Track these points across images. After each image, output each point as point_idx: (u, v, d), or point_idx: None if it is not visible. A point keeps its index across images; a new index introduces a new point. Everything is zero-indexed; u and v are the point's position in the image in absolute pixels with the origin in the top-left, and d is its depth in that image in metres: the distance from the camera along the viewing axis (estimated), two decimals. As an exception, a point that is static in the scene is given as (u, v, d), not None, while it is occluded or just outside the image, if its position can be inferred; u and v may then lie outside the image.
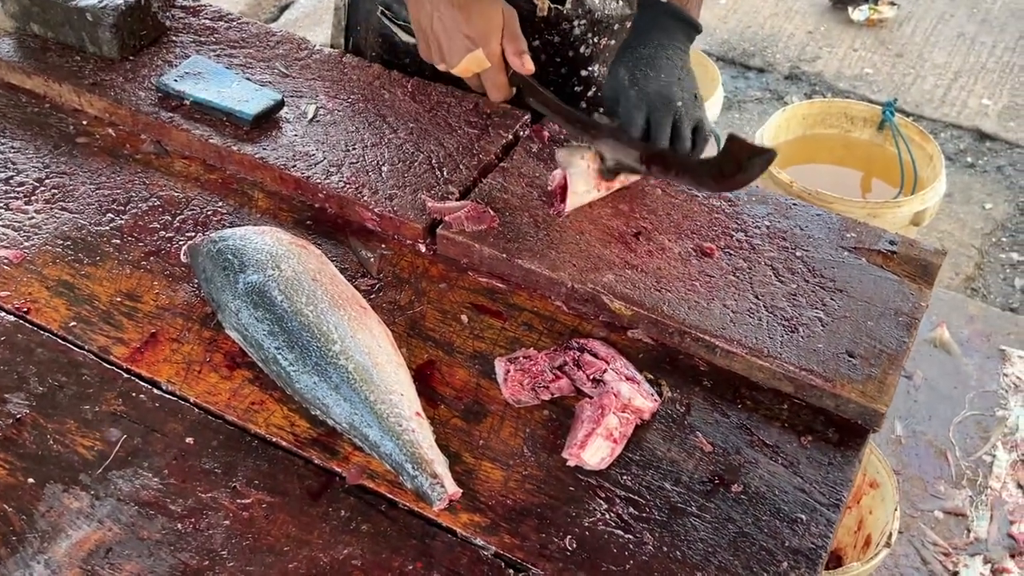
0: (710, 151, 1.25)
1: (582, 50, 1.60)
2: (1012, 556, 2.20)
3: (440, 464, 1.03)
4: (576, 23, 1.56)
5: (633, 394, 1.10)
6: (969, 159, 3.58)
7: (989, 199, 3.41)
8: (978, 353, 2.66)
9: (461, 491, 1.02)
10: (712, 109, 2.84)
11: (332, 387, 1.07)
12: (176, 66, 1.51)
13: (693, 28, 1.36)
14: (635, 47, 1.33)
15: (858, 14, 4.14)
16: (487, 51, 1.26)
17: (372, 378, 1.07)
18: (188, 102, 1.45)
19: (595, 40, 1.59)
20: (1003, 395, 2.55)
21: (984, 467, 2.39)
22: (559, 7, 1.53)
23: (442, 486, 1.01)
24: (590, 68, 1.63)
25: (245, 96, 1.44)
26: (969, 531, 2.26)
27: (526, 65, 1.28)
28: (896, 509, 1.89)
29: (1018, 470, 2.38)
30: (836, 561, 2.03)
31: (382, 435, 1.04)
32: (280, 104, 1.45)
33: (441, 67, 1.29)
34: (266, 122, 1.43)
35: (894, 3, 4.18)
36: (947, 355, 2.65)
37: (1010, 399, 2.54)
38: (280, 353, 1.10)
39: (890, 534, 1.84)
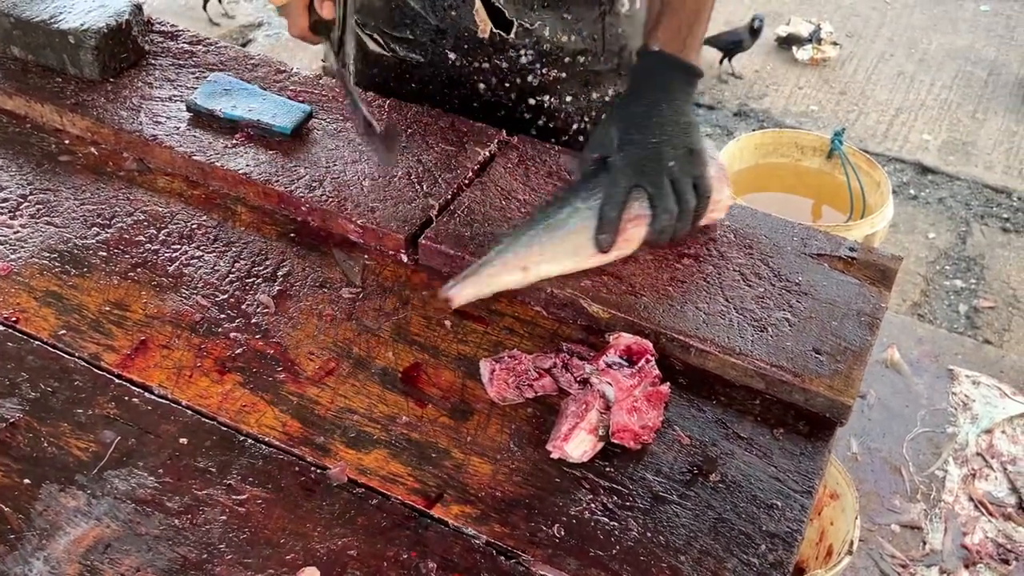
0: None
1: (530, 79, 1.58)
2: (966, 566, 2.28)
3: None
4: (523, 52, 1.54)
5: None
6: (912, 191, 3.72)
7: (932, 229, 3.54)
8: (927, 373, 2.76)
9: None
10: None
11: None
12: (198, 86, 1.55)
13: (692, 74, 1.26)
14: (628, 104, 1.26)
15: (802, 53, 4.30)
16: None
17: None
18: (222, 117, 1.49)
19: (543, 71, 1.57)
20: (952, 413, 2.65)
21: (937, 482, 2.47)
22: (503, 33, 1.53)
23: None
24: (539, 97, 1.61)
25: (275, 110, 1.48)
26: (924, 543, 2.33)
27: (324, 11, 1.35)
28: (857, 518, 1.94)
29: (969, 484, 2.46)
30: (799, 573, 2.08)
31: None
32: (310, 115, 1.50)
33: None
34: (300, 133, 1.49)
35: (836, 43, 4.35)
36: (898, 375, 2.74)
37: (959, 416, 2.63)
38: None
39: (852, 542, 1.90)
